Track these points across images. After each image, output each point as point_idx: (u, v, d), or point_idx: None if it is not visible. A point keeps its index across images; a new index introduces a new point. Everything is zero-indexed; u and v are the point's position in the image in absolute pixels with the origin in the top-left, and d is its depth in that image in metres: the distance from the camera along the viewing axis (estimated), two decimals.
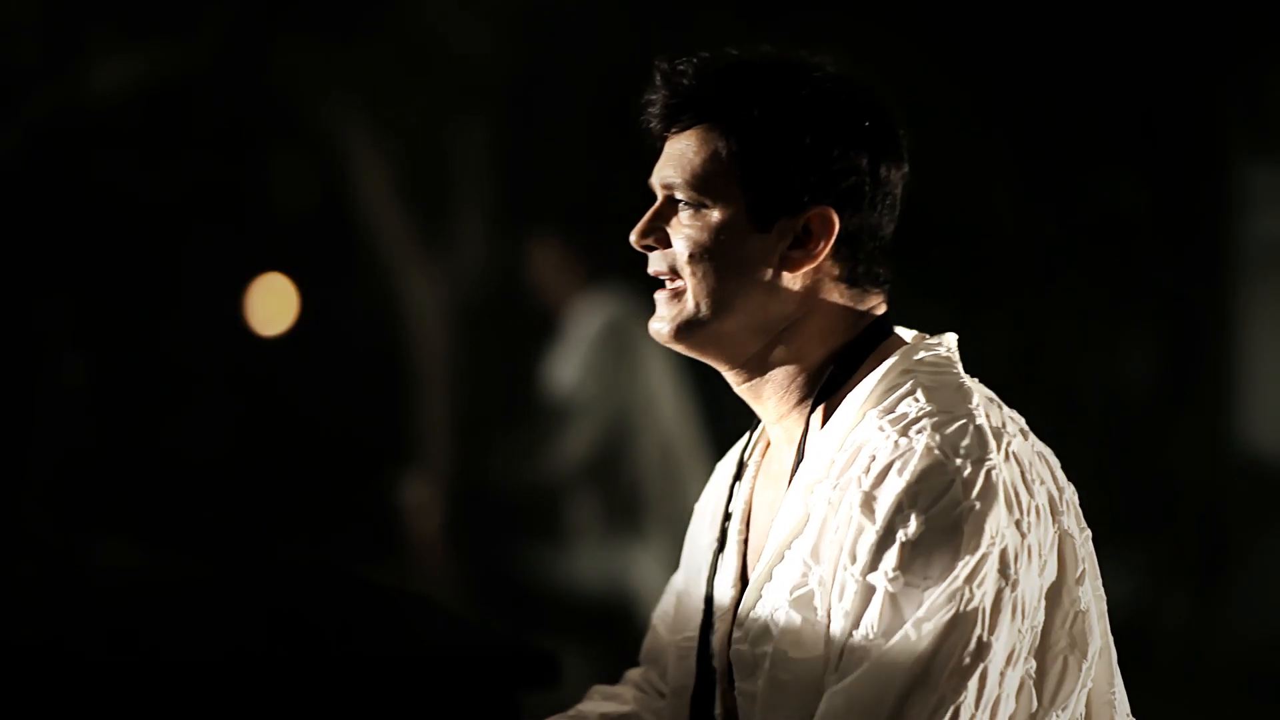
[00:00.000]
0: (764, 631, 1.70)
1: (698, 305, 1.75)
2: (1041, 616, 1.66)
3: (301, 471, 6.40)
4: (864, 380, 1.73)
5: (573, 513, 4.88)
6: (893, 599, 1.61)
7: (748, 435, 1.91)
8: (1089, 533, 1.74)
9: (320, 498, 6.35)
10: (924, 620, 1.59)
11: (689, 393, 4.93)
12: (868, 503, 1.63)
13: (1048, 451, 1.74)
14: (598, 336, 4.84)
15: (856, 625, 1.62)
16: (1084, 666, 1.68)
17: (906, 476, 1.62)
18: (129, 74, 6.11)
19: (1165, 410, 6.46)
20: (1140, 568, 5.83)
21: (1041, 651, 1.67)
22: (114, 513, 6.00)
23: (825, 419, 1.75)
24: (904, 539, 1.61)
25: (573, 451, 4.80)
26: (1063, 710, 1.67)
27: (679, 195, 1.76)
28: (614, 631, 4.74)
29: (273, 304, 6.43)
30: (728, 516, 1.86)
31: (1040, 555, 1.66)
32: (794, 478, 1.74)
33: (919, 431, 1.65)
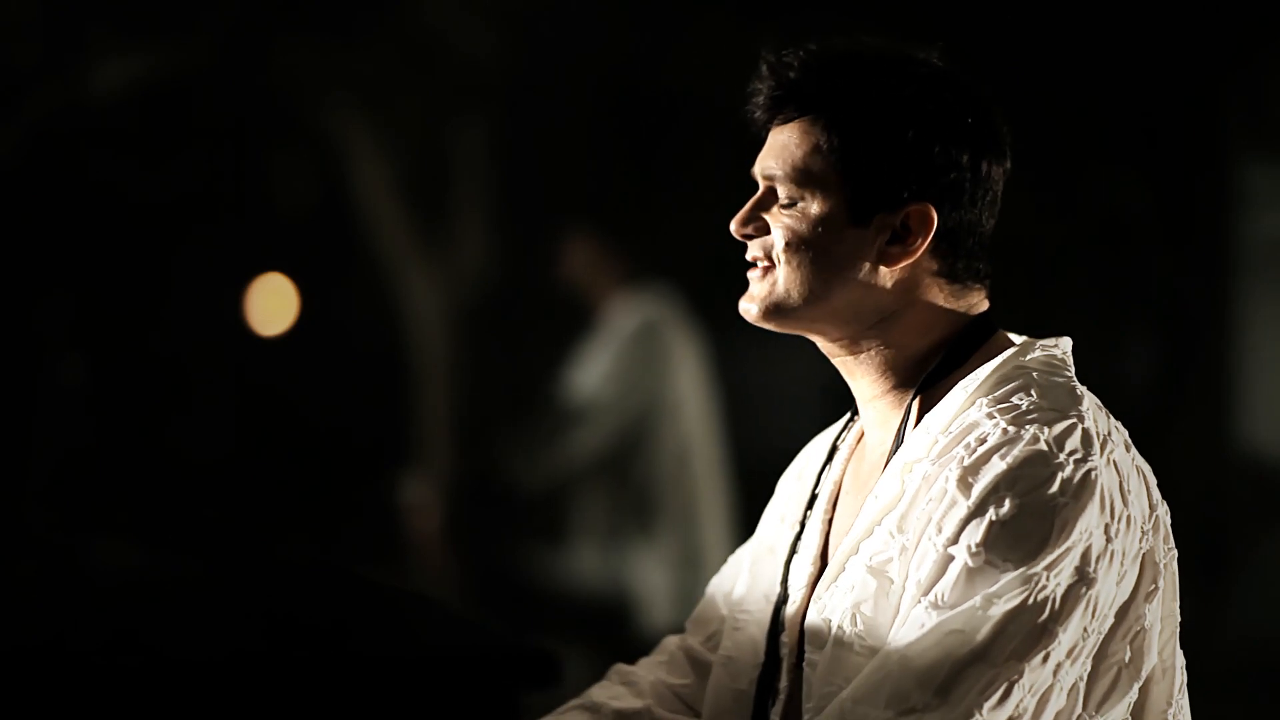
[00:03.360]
0: (841, 601, 1.72)
1: (788, 292, 1.76)
2: (1109, 625, 1.67)
3: (301, 471, 6.40)
4: (975, 371, 1.74)
5: (576, 512, 4.88)
6: (969, 573, 1.62)
7: (842, 423, 1.91)
8: (1175, 553, 1.76)
9: (320, 498, 6.35)
10: (995, 597, 1.60)
11: (718, 401, 4.91)
12: (965, 479, 1.64)
13: (1146, 468, 1.75)
14: (633, 335, 4.83)
15: (926, 592, 1.63)
16: (1134, 684, 1.70)
17: (1009, 461, 1.64)
18: (129, 74, 6.11)
19: (1165, 410, 6.46)
20: None
21: (1098, 660, 1.68)
22: (114, 513, 6.00)
23: (925, 407, 1.75)
24: (994, 518, 1.62)
25: (583, 447, 4.79)
26: (1103, 719, 1.68)
27: (779, 187, 1.77)
28: (615, 632, 4.73)
29: (273, 304, 6.43)
30: (812, 500, 1.87)
31: (1122, 564, 1.67)
32: (892, 459, 1.74)
33: (1030, 423, 1.66)
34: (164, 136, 6.33)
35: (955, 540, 1.63)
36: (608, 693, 1.97)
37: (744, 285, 1.80)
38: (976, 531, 1.62)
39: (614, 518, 4.83)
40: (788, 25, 5.31)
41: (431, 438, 6.35)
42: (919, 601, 1.63)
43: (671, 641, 2.03)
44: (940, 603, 1.62)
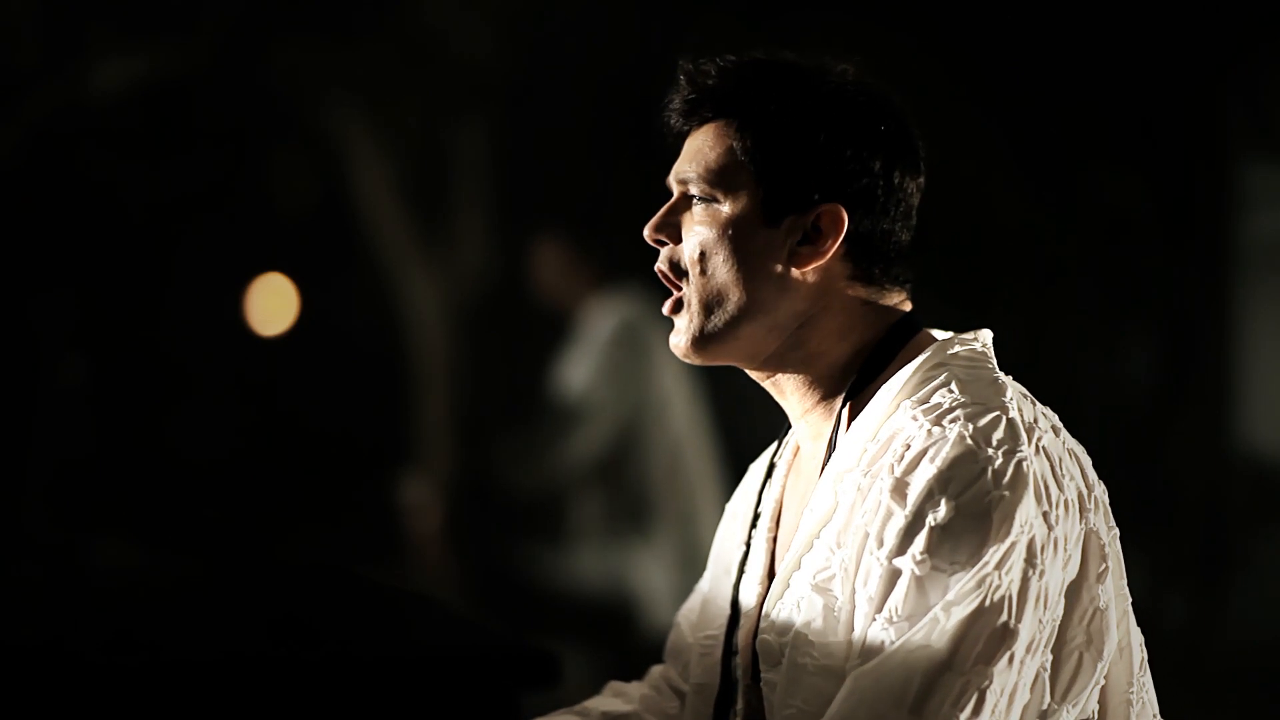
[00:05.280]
0: (789, 619, 1.72)
1: (705, 306, 1.77)
2: (1061, 611, 1.67)
3: (301, 471, 6.40)
4: (898, 373, 1.74)
5: (575, 513, 4.88)
6: (919, 582, 1.61)
7: (779, 439, 1.92)
8: (1117, 531, 1.75)
9: (320, 498, 6.35)
10: (953, 604, 1.60)
11: (703, 396, 4.91)
12: (899, 488, 1.64)
13: (1079, 449, 1.75)
14: (612, 337, 4.83)
15: (880, 609, 1.63)
16: (1098, 665, 1.69)
17: (938, 464, 1.64)
18: (129, 74, 6.11)
19: (1165, 410, 6.46)
20: (1140, 568, 5.83)
21: (1058, 646, 1.68)
22: (114, 513, 6.00)
23: (855, 413, 1.76)
24: (933, 523, 1.62)
25: (583, 452, 4.79)
26: (1073, 706, 1.68)
27: (693, 190, 1.78)
28: (614, 632, 4.74)
29: (273, 304, 6.44)
30: (756, 518, 1.87)
31: (1066, 549, 1.67)
32: (825, 469, 1.74)
33: (953, 421, 1.66)
34: (164, 136, 6.33)
35: (899, 552, 1.63)
36: (596, 700, 2.01)
37: None
38: (918, 540, 1.62)
39: (612, 518, 4.83)
40: (788, 25, 5.31)
41: (431, 438, 6.35)
42: (874, 620, 1.63)
43: (656, 670, 2.06)
44: (896, 617, 1.62)
